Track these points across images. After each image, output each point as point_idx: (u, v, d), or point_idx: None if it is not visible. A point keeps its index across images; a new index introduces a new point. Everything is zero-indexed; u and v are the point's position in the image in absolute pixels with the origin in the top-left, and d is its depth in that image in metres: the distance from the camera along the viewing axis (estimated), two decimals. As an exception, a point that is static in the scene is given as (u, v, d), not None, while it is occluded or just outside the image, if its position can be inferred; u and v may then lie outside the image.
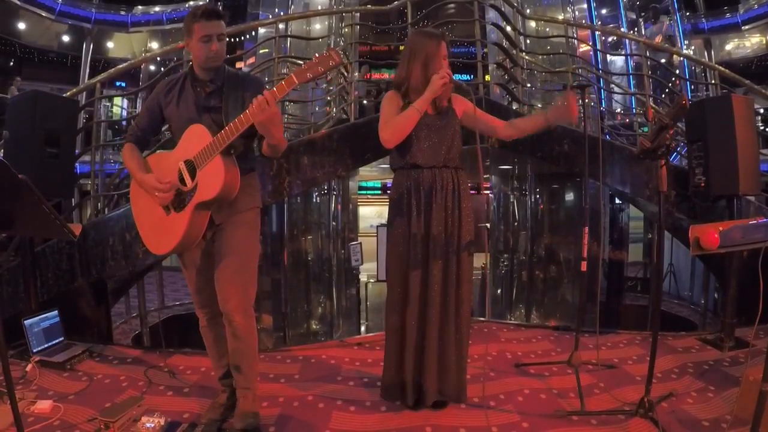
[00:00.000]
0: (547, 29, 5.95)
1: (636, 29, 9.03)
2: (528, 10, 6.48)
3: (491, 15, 5.26)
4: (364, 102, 6.13)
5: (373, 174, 9.94)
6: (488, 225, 7.45)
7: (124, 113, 11.19)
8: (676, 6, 9.59)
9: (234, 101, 1.73)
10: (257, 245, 1.86)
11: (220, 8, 1.78)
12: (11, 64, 12.14)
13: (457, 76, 1.97)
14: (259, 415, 1.81)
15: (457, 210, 1.95)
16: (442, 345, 1.93)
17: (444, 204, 1.94)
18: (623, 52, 7.72)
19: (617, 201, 5.83)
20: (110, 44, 12.20)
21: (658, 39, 7.36)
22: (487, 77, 5.11)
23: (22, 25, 11.17)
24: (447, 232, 1.94)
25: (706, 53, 10.66)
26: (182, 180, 1.69)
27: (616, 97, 6.31)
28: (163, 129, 2.07)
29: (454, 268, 1.93)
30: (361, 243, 5.81)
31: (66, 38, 11.84)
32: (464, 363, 1.99)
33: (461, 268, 1.95)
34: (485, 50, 5.27)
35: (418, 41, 1.96)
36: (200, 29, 1.68)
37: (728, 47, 10.90)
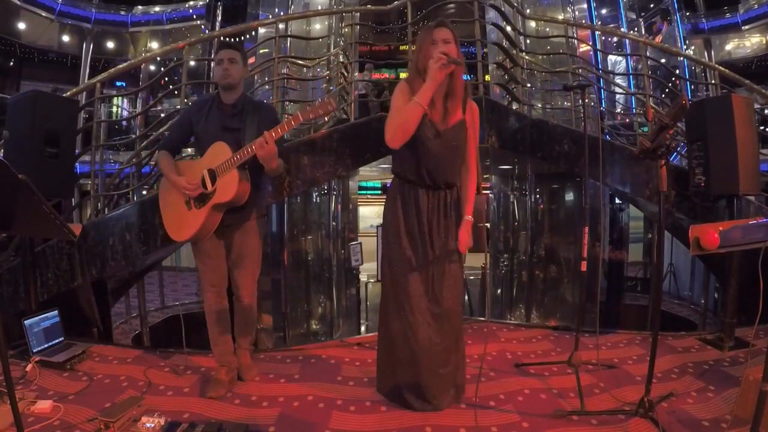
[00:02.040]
0: (547, 29, 5.95)
1: (636, 29, 9.03)
2: (528, 10, 6.49)
3: (491, 15, 5.26)
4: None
5: (373, 174, 9.94)
6: (488, 225, 7.46)
7: (125, 113, 11.19)
8: (676, 6, 9.60)
9: (251, 124, 2.12)
10: (261, 244, 2.35)
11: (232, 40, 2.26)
12: (11, 64, 12.14)
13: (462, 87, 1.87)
14: (256, 368, 2.41)
15: (444, 229, 1.93)
16: (433, 350, 1.92)
17: (431, 223, 1.92)
18: (623, 52, 7.73)
19: (617, 201, 5.83)
20: (110, 44, 12.19)
21: (659, 39, 7.37)
22: (487, 77, 5.11)
23: (22, 25, 11.17)
24: (432, 249, 1.92)
25: (706, 53, 10.67)
26: (204, 184, 2.09)
27: (617, 96, 6.31)
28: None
29: (438, 281, 1.93)
30: (361, 243, 5.81)
31: (66, 38, 11.84)
32: (456, 365, 1.99)
33: (444, 282, 1.93)
34: (485, 50, 5.27)
35: (420, 35, 1.89)
36: (217, 55, 2.15)
37: (728, 47, 10.90)
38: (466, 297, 6.40)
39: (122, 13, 11.99)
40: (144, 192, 3.88)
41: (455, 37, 1.82)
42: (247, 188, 2.08)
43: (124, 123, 10.54)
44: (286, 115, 4.95)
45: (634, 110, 5.90)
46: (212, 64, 2.15)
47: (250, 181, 2.09)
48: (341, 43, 6.30)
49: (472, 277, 6.22)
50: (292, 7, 7.72)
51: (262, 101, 2.46)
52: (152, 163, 3.71)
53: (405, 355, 1.94)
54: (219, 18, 11.07)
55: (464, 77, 1.92)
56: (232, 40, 3.60)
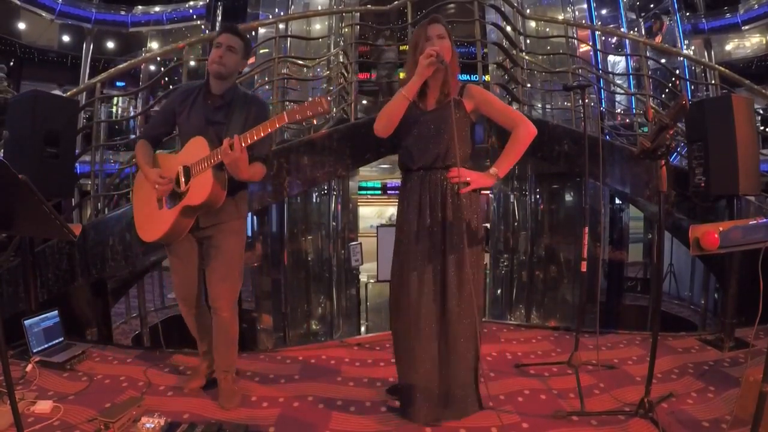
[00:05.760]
0: (547, 29, 5.94)
1: (636, 29, 9.03)
2: (528, 10, 6.47)
3: (491, 15, 5.25)
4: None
5: (373, 174, 9.94)
6: (488, 225, 7.45)
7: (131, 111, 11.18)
8: (676, 6, 9.60)
9: (237, 119, 1.91)
10: (243, 251, 2.09)
11: (238, 26, 2.03)
12: (11, 64, 12.12)
13: (456, 77, 1.90)
14: (239, 394, 2.10)
15: (446, 213, 1.84)
16: (442, 355, 1.85)
17: (432, 208, 1.85)
18: (623, 52, 7.73)
19: (617, 201, 5.83)
20: (110, 44, 12.19)
21: (659, 39, 7.36)
22: (487, 77, 5.11)
23: (22, 25, 11.17)
24: (437, 236, 1.84)
25: (706, 53, 10.66)
26: (177, 182, 1.91)
27: (617, 97, 6.30)
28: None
29: (450, 273, 1.83)
30: (361, 243, 5.80)
31: (66, 38, 11.84)
32: (468, 372, 1.90)
33: (456, 273, 1.84)
34: (485, 50, 5.26)
35: (414, 32, 1.91)
36: (217, 37, 1.96)
37: (728, 47, 10.90)
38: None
39: (122, 13, 11.98)
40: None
41: (449, 32, 1.84)
42: (222, 193, 1.86)
43: (123, 123, 10.54)
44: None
45: (634, 110, 5.89)
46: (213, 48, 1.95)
47: (226, 185, 1.87)
48: (341, 43, 6.29)
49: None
50: (292, 7, 7.71)
51: (256, 95, 2.20)
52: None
53: (405, 356, 1.93)
54: (219, 18, 11.05)
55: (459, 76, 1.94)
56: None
